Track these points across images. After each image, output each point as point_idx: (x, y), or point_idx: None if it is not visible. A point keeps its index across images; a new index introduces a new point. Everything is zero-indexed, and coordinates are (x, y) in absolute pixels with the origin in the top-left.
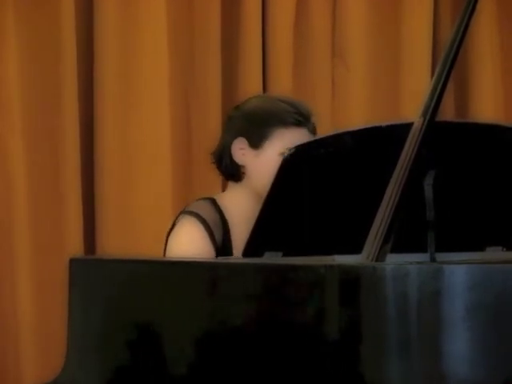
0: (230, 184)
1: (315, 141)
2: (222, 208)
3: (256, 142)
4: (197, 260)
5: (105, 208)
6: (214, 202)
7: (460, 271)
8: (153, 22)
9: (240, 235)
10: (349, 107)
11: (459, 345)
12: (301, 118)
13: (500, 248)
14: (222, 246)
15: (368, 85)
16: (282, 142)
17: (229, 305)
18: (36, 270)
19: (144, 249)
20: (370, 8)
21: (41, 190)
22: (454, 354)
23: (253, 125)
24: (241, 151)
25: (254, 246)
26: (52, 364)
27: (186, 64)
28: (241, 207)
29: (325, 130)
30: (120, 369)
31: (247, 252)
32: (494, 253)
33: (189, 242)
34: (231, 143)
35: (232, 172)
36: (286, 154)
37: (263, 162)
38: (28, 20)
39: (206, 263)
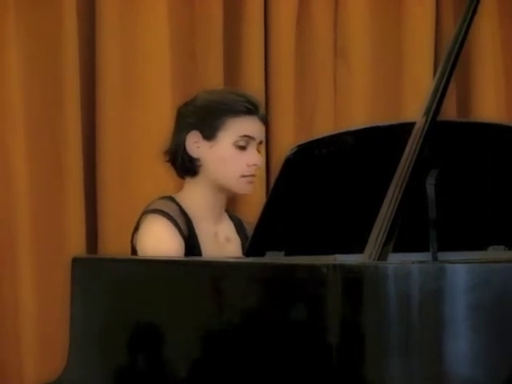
0: (187, 181)
1: (317, 140)
2: (182, 205)
3: (209, 134)
4: (199, 259)
5: (107, 207)
6: (172, 199)
7: (462, 270)
8: (154, 23)
9: (204, 229)
10: (351, 106)
11: (460, 344)
12: (251, 106)
13: (502, 247)
14: (189, 239)
15: (370, 84)
16: (235, 131)
17: (230, 304)
18: (38, 270)
19: None
20: (372, 7)
21: (43, 189)
22: (456, 353)
23: (205, 117)
24: (195, 144)
25: (255, 245)
26: (54, 363)
27: (188, 63)
28: (200, 201)
29: (327, 129)
30: (122, 368)
31: (249, 251)
32: (496, 252)
33: (159, 240)
34: (185, 138)
35: (188, 166)
36: (288, 154)
37: (218, 152)
38: (29, 20)
39: (207, 262)
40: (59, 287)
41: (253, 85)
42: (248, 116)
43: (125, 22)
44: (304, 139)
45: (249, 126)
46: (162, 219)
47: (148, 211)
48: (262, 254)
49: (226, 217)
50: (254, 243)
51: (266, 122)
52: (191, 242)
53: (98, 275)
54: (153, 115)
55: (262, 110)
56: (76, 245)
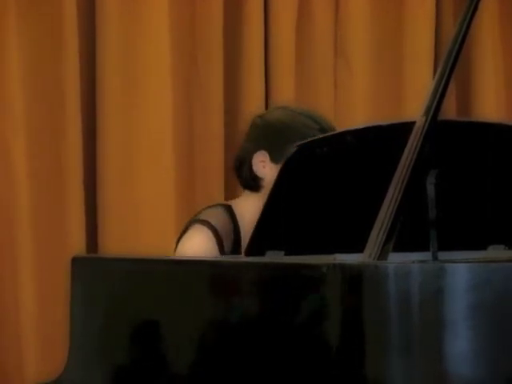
0: (247, 191)
1: (318, 139)
2: (238, 215)
3: (277, 157)
4: (198, 259)
5: (107, 207)
6: (229, 208)
7: (462, 270)
8: (155, 23)
9: None
10: (351, 106)
11: (461, 344)
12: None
13: (502, 246)
14: (234, 253)
15: (370, 84)
16: None
17: (230, 304)
18: (38, 269)
19: (146, 247)
20: (373, 7)
21: (43, 188)
22: (456, 353)
23: (275, 139)
24: (261, 164)
25: (255, 244)
26: (54, 363)
27: (188, 63)
28: (252, 217)
29: None
30: (122, 368)
31: (249, 251)
32: (497, 251)
33: (197, 252)
34: (252, 154)
35: (251, 183)
36: (288, 153)
37: None
38: (30, 19)
39: (207, 262)
40: (60, 287)
41: (253, 85)
42: None
43: (125, 21)
44: None
45: None
46: (206, 233)
47: (197, 220)
48: (262, 254)
49: None
50: (253, 243)
51: None
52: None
53: (98, 275)
54: (153, 115)
55: None
56: (76, 244)
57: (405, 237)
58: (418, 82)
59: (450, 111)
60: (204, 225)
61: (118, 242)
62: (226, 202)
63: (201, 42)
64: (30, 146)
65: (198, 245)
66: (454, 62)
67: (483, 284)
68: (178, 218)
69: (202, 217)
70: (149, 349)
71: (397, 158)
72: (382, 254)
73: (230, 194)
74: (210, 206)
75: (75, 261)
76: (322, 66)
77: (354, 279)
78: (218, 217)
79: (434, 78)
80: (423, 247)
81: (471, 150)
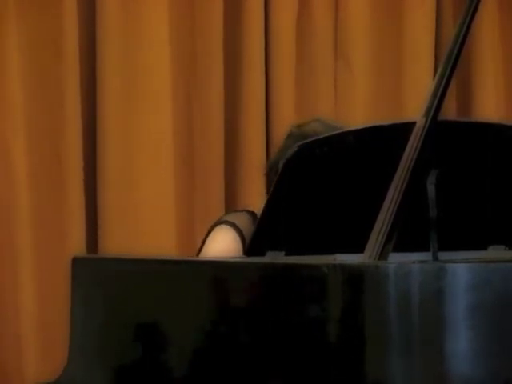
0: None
1: (318, 140)
2: None
3: None
4: (199, 259)
5: (107, 207)
6: (254, 215)
7: (462, 270)
8: (155, 23)
9: None
10: (351, 107)
11: (461, 344)
12: None
13: (502, 247)
14: None
15: (370, 85)
16: None
17: (230, 304)
18: (38, 269)
19: (146, 248)
20: (372, 8)
21: (43, 188)
22: (456, 353)
23: None
24: None
25: (256, 245)
26: (54, 363)
27: (188, 63)
28: None
29: None
30: (122, 368)
31: (250, 251)
32: (497, 252)
33: (222, 252)
34: None
35: None
36: (288, 154)
37: None
38: (30, 19)
39: (208, 262)
40: (59, 287)
41: (253, 85)
42: None
43: (125, 21)
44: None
45: None
46: (232, 233)
47: (223, 221)
48: (263, 254)
49: None
50: (254, 243)
51: None
52: None
53: (98, 275)
54: (153, 115)
55: None
56: (76, 244)
57: (405, 237)
58: (418, 82)
59: (450, 111)
60: (230, 226)
61: (118, 242)
62: (250, 209)
63: (201, 41)
64: (30, 146)
65: (223, 245)
66: (454, 62)
67: (483, 284)
68: (178, 218)
69: (228, 218)
70: (149, 349)
71: (397, 159)
72: (383, 255)
73: (230, 194)
74: (235, 211)
75: (75, 261)
76: (322, 67)
77: (354, 279)
78: (243, 220)
79: (434, 78)
80: (423, 247)
81: (471, 151)
